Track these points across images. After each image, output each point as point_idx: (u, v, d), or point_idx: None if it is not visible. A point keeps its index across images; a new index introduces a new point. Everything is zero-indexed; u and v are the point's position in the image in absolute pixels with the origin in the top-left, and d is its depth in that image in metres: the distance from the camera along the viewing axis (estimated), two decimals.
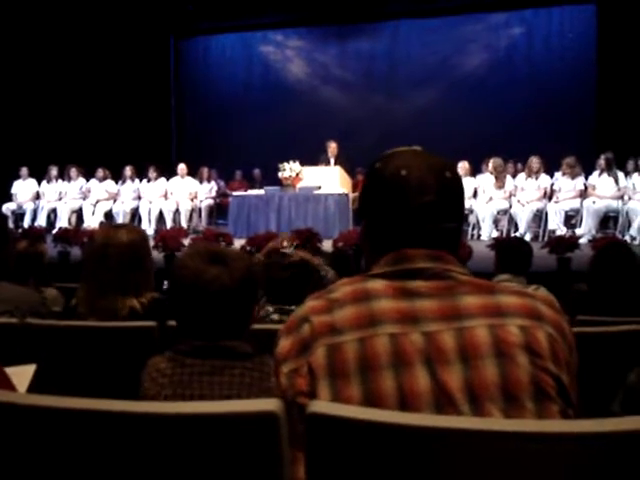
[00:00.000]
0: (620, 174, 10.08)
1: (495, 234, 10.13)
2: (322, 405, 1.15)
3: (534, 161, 10.42)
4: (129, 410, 1.19)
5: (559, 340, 1.33)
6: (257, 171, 14.50)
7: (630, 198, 9.89)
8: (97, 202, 12.53)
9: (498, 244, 4.15)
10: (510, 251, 4.00)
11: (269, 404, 1.17)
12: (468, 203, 10.62)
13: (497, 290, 1.36)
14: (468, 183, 10.79)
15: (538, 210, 10.33)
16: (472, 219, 10.76)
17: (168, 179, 12.46)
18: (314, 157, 11.65)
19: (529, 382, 1.26)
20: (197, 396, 1.84)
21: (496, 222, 10.57)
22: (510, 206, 10.47)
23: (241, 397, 1.82)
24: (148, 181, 12.47)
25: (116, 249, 2.82)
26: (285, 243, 3.19)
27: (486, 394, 1.24)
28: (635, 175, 10.07)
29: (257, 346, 1.97)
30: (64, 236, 8.98)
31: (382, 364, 1.26)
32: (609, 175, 9.99)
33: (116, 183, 12.70)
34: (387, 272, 1.37)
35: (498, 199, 10.47)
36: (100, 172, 12.67)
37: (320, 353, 1.29)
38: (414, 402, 1.23)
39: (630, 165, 10.48)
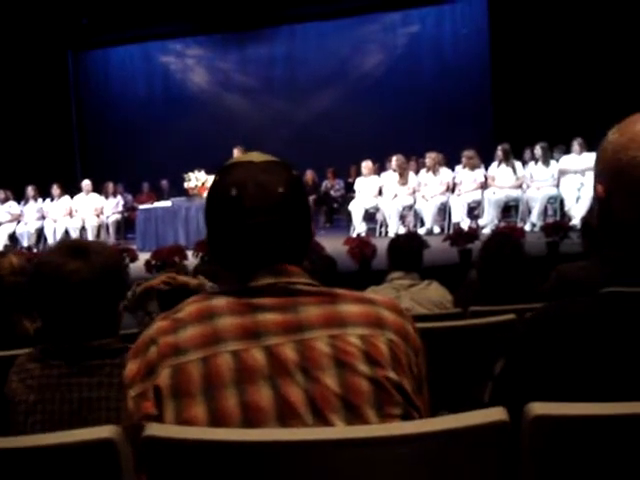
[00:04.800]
0: (518, 164, 10.37)
1: (402, 230, 10.27)
2: (156, 428, 1.16)
3: (428, 157, 10.64)
4: None
5: (401, 345, 1.35)
6: (164, 182, 14.35)
7: (528, 186, 10.18)
8: None
9: (389, 243, 4.20)
10: (399, 249, 4.03)
11: (105, 431, 1.18)
12: (374, 201, 10.78)
13: (339, 299, 1.38)
14: (373, 182, 10.95)
15: (442, 204, 10.53)
16: (379, 217, 10.89)
17: (72, 196, 12.21)
18: (222, 165, 11.57)
19: (369, 391, 1.28)
20: (67, 400, 1.82)
21: (402, 218, 10.71)
22: (415, 202, 10.62)
23: (110, 398, 1.81)
24: (52, 200, 12.20)
25: (9, 271, 2.80)
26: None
27: (327, 405, 1.26)
28: (532, 164, 10.37)
29: None
30: None
31: (225, 382, 1.27)
32: (507, 165, 10.26)
33: (18, 204, 12.38)
34: (231, 289, 1.38)
35: (403, 195, 10.60)
36: (1, 193, 12.33)
37: (165, 375, 1.29)
38: (258, 418, 1.25)
39: (527, 154, 10.83)
